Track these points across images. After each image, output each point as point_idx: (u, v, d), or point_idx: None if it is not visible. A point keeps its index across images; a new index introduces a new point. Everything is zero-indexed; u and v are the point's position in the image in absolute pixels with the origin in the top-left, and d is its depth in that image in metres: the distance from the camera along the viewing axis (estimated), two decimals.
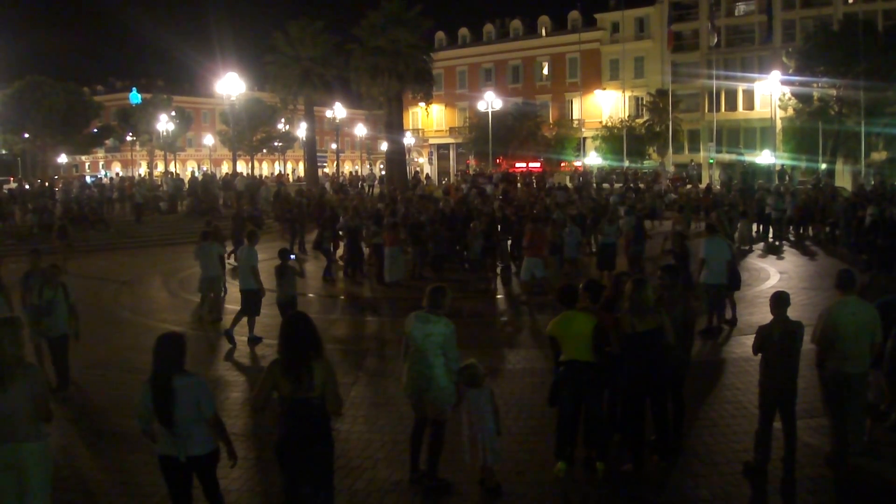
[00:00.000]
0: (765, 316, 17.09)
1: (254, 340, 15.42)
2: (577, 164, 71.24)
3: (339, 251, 25.02)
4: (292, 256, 17.45)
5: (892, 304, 9.78)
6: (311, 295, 20.85)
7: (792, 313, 8.79)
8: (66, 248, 27.59)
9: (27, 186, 51.53)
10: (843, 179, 57.18)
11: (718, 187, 51.22)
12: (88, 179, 67.24)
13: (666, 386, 9.02)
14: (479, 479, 8.39)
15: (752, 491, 8.41)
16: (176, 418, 6.47)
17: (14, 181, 63.21)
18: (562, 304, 8.96)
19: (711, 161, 65.67)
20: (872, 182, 47.98)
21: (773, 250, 29.37)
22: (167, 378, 6.55)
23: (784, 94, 62.12)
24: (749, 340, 14.77)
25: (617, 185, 53.21)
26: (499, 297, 21.24)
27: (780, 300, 8.74)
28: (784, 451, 8.73)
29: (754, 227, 32.53)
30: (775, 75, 59.55)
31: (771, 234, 33.13)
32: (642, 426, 8.82)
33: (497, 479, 8.39)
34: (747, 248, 28.86)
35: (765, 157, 62.91)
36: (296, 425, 6.61)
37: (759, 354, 8.86)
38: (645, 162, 68.43)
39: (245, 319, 15.63)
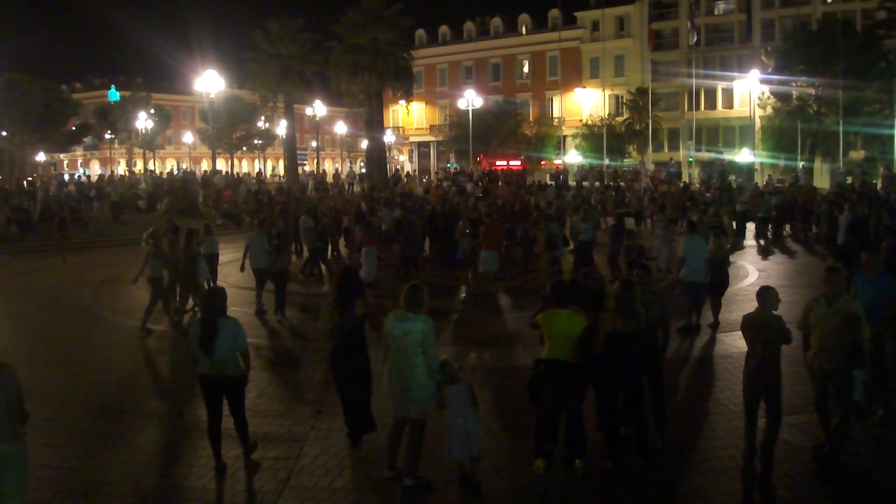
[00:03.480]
0: (742, 313, 17.24)
1: (261, 312, 18.01)
2: (558, 162, 71.39)
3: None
4: None
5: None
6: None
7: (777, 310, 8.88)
8: (65, 241, 28.66)
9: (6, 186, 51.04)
10: (822, 178, 57.58)
11: (697, 185, 51.43)
12: (74, 176, 66.72)
13: (641, 386, 9.02)
14: (458, 476, 8.39)
15: (731, 488, 8.42)
16: (216, 348, 8.60)
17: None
18: (553, 301, 8.89)
19: (691, 159, 65.92)
20: (850, 180, 48.26)
21: (760, 250, 29.56)
22: (214, 319, 8.75)
23: (763, 93, 62.60)
24: (728, 338, 14.95)
25: (596, 184, 53.25)
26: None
27: (763, 294, 8.89)
28: (762, 444, 8.78)
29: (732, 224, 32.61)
30: (754, 74, 59.93)
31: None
32: (618, 424, 8.83)
33: (477, 475, 8.42)
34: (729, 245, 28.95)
35: (744, 156, 63.31)
36: (342, 342, 9.30)
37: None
38: (625, 160, 68.62)
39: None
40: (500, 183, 50.88)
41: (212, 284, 19.65)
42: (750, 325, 8.79)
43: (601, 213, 32.17)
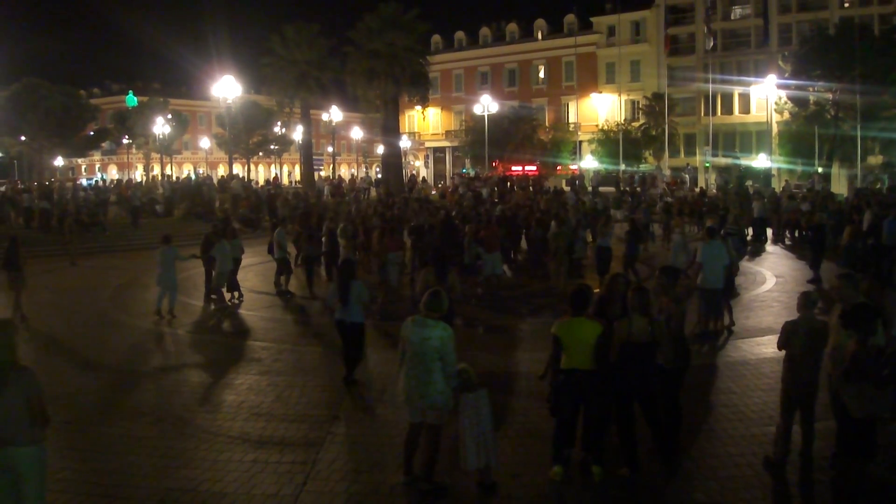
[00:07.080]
0: (761, 319, 17.21)
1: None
2: (573, 167, 71.35)
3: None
4: None
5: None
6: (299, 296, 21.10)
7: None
8: (74, 243, 29.24)
9: (22, 187, 51.29)
10: (839, 183, 57.31)
11: (714, 191, 51.28)
12: (84, 182, 67.03)
13: (656, 394, 8.98)
14: (476, 481, 8.38)
15: (749, 496, 8.37)
16: (348, 300, 12.33)
17: (20, 184, 62.82)
18: (572, 308, 8.78)
19: (707, 165, 65.76)
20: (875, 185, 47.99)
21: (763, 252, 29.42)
22: (347, 279, 12.47)
23: (780, 98, 62.30)
24: (745, 344, 14.90)
25: (609, 189, 53.13)
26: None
27: (807, 299, 8.87)
28: (803, 449, 8.79)
29: (749, 230, 32.44)
30: (771, 79, 59.66)
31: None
32: (634, 430, 8.80)
33: (493, 478, 8.41)
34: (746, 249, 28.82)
35: (761, 161, 63.05)
36: None
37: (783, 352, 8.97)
38: (641, 165, 68.53)
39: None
40: (515, 188, 50.87)
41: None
42: (808, 333, 8.69)
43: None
